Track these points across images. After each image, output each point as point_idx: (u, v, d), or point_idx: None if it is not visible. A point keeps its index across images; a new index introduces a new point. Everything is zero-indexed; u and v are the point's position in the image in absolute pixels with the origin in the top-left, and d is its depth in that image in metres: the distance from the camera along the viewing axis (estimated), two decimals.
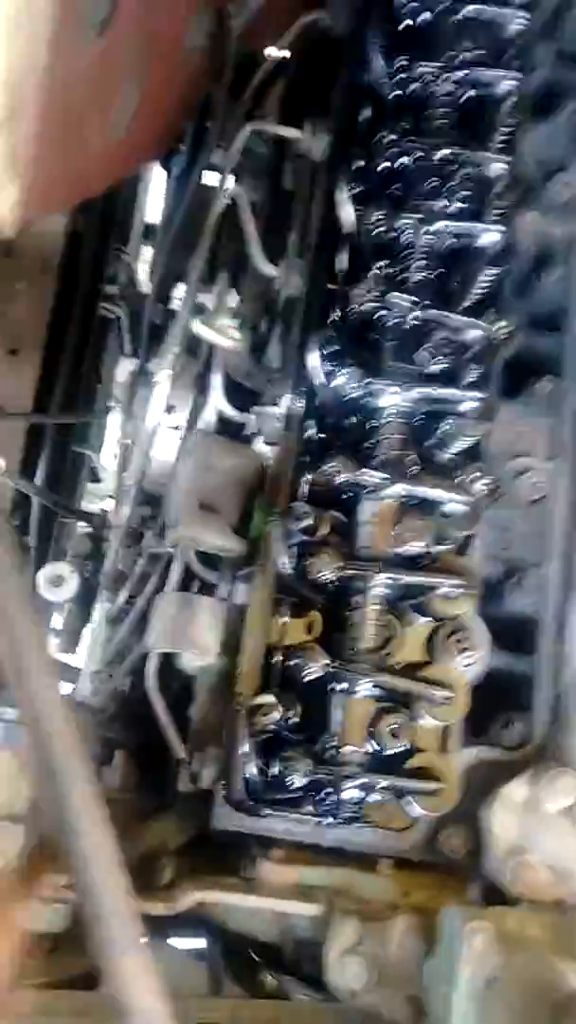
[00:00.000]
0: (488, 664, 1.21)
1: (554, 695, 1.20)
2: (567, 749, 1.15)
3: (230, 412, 1.51)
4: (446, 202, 1.26)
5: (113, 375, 2.41)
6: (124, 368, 2.35)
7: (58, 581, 1.86)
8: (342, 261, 1.37)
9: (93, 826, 0.68)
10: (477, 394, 1.19)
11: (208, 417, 1.59)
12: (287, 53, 1.89)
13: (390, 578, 1.17)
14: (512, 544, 1.28)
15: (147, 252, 2.81)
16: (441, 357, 1.19)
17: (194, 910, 1.20)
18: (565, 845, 1.08)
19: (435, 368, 1.19)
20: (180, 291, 2.13)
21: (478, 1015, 0.91)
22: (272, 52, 1.76)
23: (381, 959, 1.09)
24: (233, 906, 1.20)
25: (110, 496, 2.16)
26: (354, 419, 1.27)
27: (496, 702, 1.21)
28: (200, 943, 1.51)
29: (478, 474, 1.23)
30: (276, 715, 1.15)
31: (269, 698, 1.17)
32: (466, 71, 1.28)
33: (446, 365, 1.20)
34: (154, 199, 2.81)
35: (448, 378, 1.20)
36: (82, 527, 2.13)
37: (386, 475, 1.17)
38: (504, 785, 1.10)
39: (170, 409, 1.86)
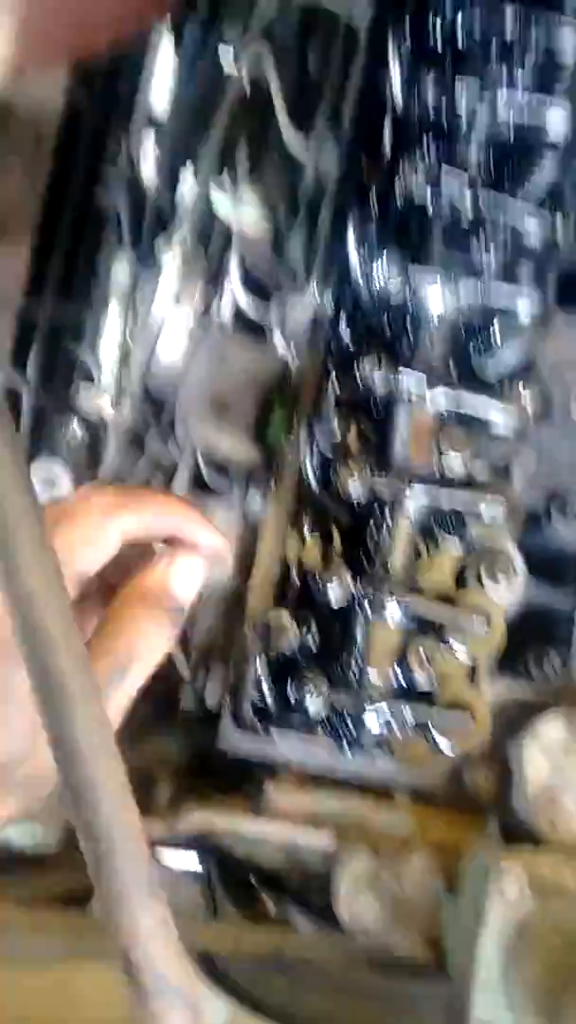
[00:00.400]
0: (525, 596, 1.12)
1: None
2: None
3: (248, 304, 1.37)
4: (508, 70, 1.10)
5: (111, 267, 2.25)
6: (123, 263, 2.18)
7: (50, 482, 1.73)
8: (384, 135, 1.20)
9: (100, 748, 0.53)
10: (532, 294, 1.06)
11: (222, 309, 1.44)
12: None
13: (423, 495, 1.06)
14: (558, 470, 1.17)
15: (152, 137, 2.59)
16: (495, 249, 1.05)
17: (192, 832, 1.14)
18: None
19: (488, 260, 1.05)
20: (188, 177, 1.96)
21: (506, 963, 0.86)
22: None
23: (396, 894, 1.03)
24: (236, 830, 1.14)
25: (108, 396, 2.02)
26: (392, 316, 1.14)
27: (531, 636, 1.13)
28: (195, 865, 1.47)
29: (527, 389, 1.12)
30: (292, 634, 1.07)
31: (284, 615, 1.08)
32: None
33: (499, 258, 1.06)
34: (163, 75, 2.57)
35: (502, 273, 1.07)
36: (76, 429, 2.00)
37: (425, 380, 1.05)
38: (538, 722, 1.03)
39: (177, 302, 1.72)
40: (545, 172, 1.12)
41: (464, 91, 1.08)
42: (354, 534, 1.15)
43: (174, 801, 1.18)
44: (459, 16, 1.11)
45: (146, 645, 0.74)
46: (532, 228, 1.08)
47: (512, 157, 1.13)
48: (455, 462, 1.05)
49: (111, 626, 0.74)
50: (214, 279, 1.62)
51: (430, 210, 1.09)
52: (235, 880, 1.30)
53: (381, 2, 1.26)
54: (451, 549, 1.12)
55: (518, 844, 1.03)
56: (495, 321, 1.08)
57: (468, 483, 1.10)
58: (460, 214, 1.07)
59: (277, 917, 1.21)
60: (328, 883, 1.08)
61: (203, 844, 1.24)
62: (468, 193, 1.06)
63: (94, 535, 0.74)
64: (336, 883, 1.05)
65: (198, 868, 1.44)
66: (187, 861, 1.45)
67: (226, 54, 1.72)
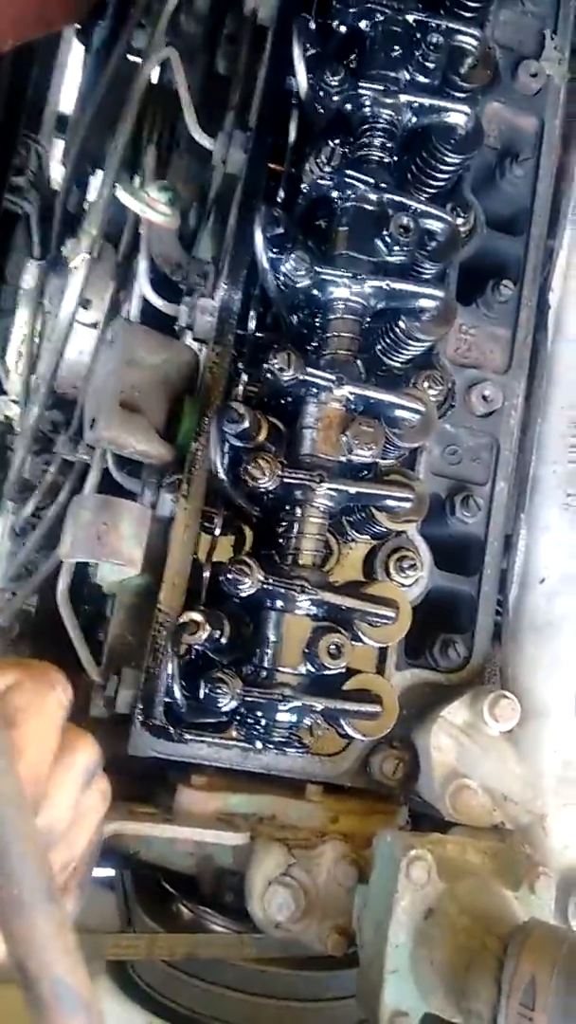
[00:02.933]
0: (430, 584, 1.14)
1: (496, 617, 1.15)
2: (508, 671, 1.11)
3: (158, 303, 1.35)
4: (410, 73, 1.12)
5: (19, 275, 2.19)
6: (32, 272, 2.13)
7: None
8: (289, 138, 1.22)
9: None
10: (435, 292, 1.08)
11: (131, 310, 1.42)
12: None
13: (332, 489, 1.07)
14: (460, 460, 1.20)
15: (60, 144, 2.55)
16: (399, 248, 1.07)
17: (106, 841, 1.11)
18: (505, 769, 1.04)
19: (392, 259, 1.07)
20: (97, 180, 1.93)
21: (416, 947, 0.86)
22: None
23: (309, 888, 1.03)
24: (147, 835, 1.12)
25: (14, 401, 1.97)
26: (298, 315, 1.15)
27: (436, 624, 1.15)
28: (108, 872, 1.43)
29: (429, 383, 1.15)
30: (203, 634, 1.05)
31: (196, 615, 1.06)
32: None
33: (404, 257, 1.08)
34: (71, 79, 2.53)
35: (405, 272, 1.09)
36: None
37: (334, 376, 1.06)
38: (443, 708, 1.05)
39: (86, 304, 1.69)
40: (448, 172, 1.15)
41: (367, 94, 1.09)
42: (265, 530, 1.15)
43: None
44: (363, 19, 1.13)
45: None
46: (435, 227, 1.11)
47: (416, 157, 1.16)
48: (363, 456, 1.06)
49: None
50: (123, 280, 1.60)
51: (336, 209, 1.11)
52: (148, 885, 1.27)
53: (287, 2, 1.27)
54: (359, 542, 1.14)
55: (427, 829, 1.05)
56: (400, 318, 1.10)
57: (376, 476, 1.12)
58: (365, 213, 1.08)
59: (191, 920, 1.19)
60: (241, 882, 1.06)
61: (114, 851, 1.21)
62: (373, 192, 1.08)
63: None
64: (249, 881, 1.04)
65: (111, 875, 1.40)
66: (100, 869, 1.42)
67: (134, 56, 1.71)
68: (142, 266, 1.37)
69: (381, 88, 1.10)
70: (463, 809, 1.01)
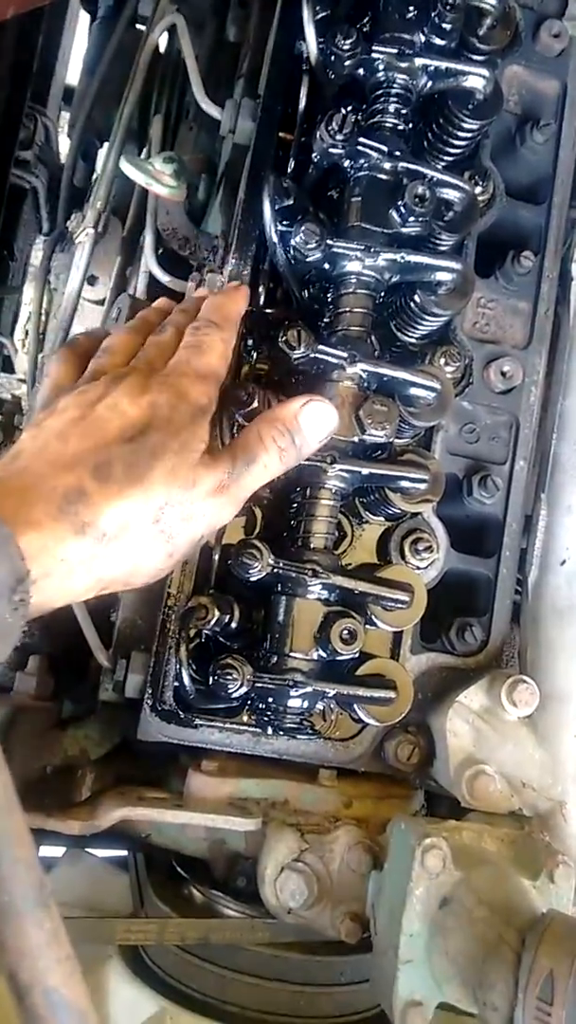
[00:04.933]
0: (446, 566, 1.12)
1: (514, 599, 1.12)
2: (527, 655, 1.08)
3: (164, 279, 1.32)
4: (425, 35, 1.07)
5: (28, 252, 2.16)
6: (40, 246, 2.10)
7: None
8: (300, 105, 1.17)
9: None
10: (452, 264, 1.04)
11: (138, 286, 1.39)
12: None
13: (345, 470, 1.04)
14: (477, 439, 1.17)
15: (67, 115, 2.50)
16: (415, 218, 1.03)
17: (118, 825, 1.10)
18: (523, 755, 1.02)
19: (407, 230, 1.03)
20: (104, 153, 1.89)
21: (431, 937, 0.84)
22: None
23: (322, 874, 1.02)
24: (159, 820, 1.11)
25: (21, 380, 1.95)
26: (309, 290, 1.12)
27: (452, 607, 1.13)
28: (121, 852, 1.43)
29: (446, 359, 1.11)
30: (212, 619, 1.03)
31: (205, 600, 1.04)
32: None
33: (419, 229, 1.04)
34: (76, 55, 2.48)
35: (421, 244, 1.05)
36: None
37: (346, 353, 1.03)
38: (460, 693, 1.02)
39: (92, 280, 1.66)
40: (466, 139, 1.11)
41: (382, 55, 1.05)
42: (276, 512, 1.13)
43: (96, 795, 1.14)
44: None
45: (264, 459, 0.88)
46: (452, 196, 1.07)
47: (432, 123, 1.11)
48: (377, 435, 1.02)
49: (241, 437, 0.90)
50: (130, 255, 1.57)
51: (349, 179, 1.07)
52: (160, 868, 1.27)
53: None
54: (373, 523, 1.11)
55: (442, 815, 1.03)
56: (416, 292, 1.07)
57: (390, 456, 1.09)
58: (379, 182, 1.05)
59: (203, 904, 1.19)
60: (254, 867, 1.05)
61: (126, 836, 1.20)
62: (387, 160, 1.04)
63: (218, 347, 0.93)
64: (262, 867, 1.03)
65: (123, 859, 1.40)
66: (112, 853, 1.41)
67: (141, 24, 1.66)
68: (148, 240, 1.34)
69: (395, 51, 1.05)
70: (480, 795, 0.99)
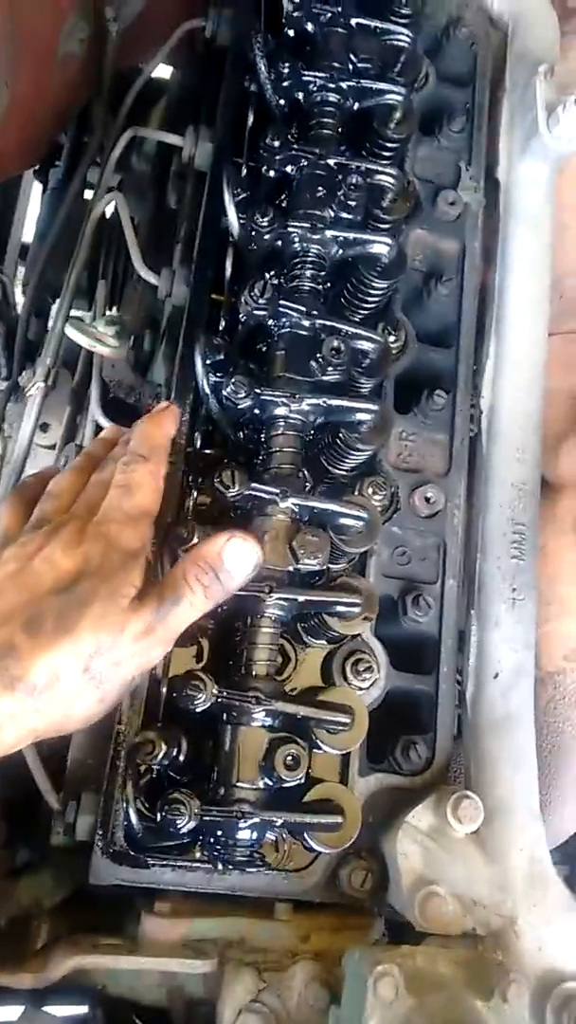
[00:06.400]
0: (387, 685, 1.16)
1: (455, 715, 1.16)
2: (471, 769, 1.11)
3: (108, 426, 1.41)
4: (334, 211, 1.22)
5: None
6: None
7: None
8: (228, 270, 1.31)
9: None
10: (370, 406, 1.14)
11: (86, 433, 1.48)
12: (168, 67, 1.86)
13: (283, 598, 1.09)
14: (408, 561, 1.24)
15: (22, 271, 2.68)
16: (333, 368, 1.14)
17: (72, 975, 1.07)
18: (473, 872, 1.03)
19: (328, 378, 1.14)
20: (56, 309, 2.03)
21: None
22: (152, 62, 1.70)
23: (280, 1013, 1.00)
24: (114, 968, 1.08)
25: None
26: (243, 432, 1.21)
27: (396, 725, 1.16)
28: (81, 1009, 1.36)
29: (373, 489, 1.20)
30: (160, 753, 1.05)
31: (152, 735, 1.06)
32: (353, 81, 1.25)
33: (338, 376, 1.15)
34: (29, 215, 2.69)
35: (341, 389, 1.16)
36: None
37: (278, 489, 1.11)
38: (408, 813, 1.04)
39: (44, 427, 1.75)
40: (376, 296, 1.24)
41: (295, 232, 1.18)
42: (222, 642, 1.17)
43: (49, 945, 1.11)
44: (286, 166, 1.24)
45: (189, 598, 0.90)
46: (366, 346, 1.18)
47: (346, 283, 1.24)
48: (310, 564, 1.09)
49: (167, 577, 0.92)
50: (79, 404, 1.67)
51: (273, 335, 1.18)
52: (118, 1019, 1.22)
53: (220, 149, 1.39)
54: (313, 648, 1.15)
55: (407, 939, 1.03)
56: (341, 430, 1.16)
57: (327, 582, 1.15)
58: (300, 338, 1.16)
59: None
60: (213, 1011, 1.03)
61: (84, 989, 1.16)
62: (305, 319, 1.15)
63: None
64: (219, 1011, 1.00)
65: (85, 1017, 1.33)
66: (69, 1006, 1.35)
67: (90, 188, 1.83)
68: (94, 394, 1.43)
69: (308, 226, 1.19)
70: (433, 917, 0.99)
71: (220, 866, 1.03)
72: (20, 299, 2.49)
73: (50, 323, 2.14)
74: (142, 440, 1.05)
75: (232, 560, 0.94)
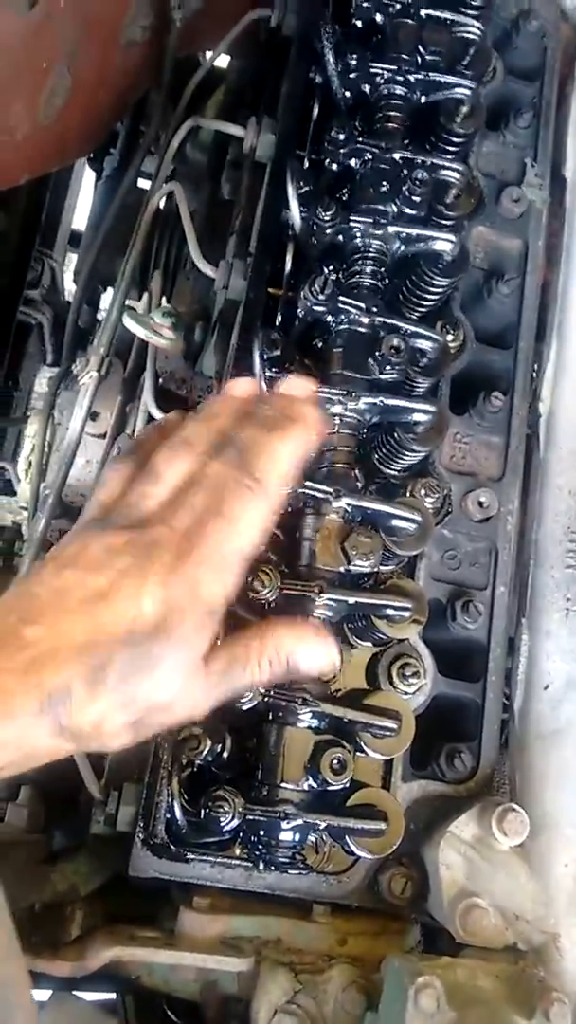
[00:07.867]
0: (434, 692, 1.14)
1: (502, 723, 1.14)
2: (516, 781, 1.09)
3: (161, 417, 1.40)
4: (397, 206, 1.20)
5: (32, 383, 2.28)
6: (44, 377, 2.21)
7: None
8: (286, 264, 1.29)
9: None
10: (427, 406, 1.12)
11: (137, 423, 1.48)
12: (229, 56, 1.84)
13: (332, 599, 1.08)
14: (459, 565, 1.22)
15: (73, 257, 2.69)
16: (391, 366, 1.12)
17: (107, 965, 1.07)
18: (516, 886, 1.01)
19: (385, 377, 1.12)
20: (107, 297, 2.03)
21: None
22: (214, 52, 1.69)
23: (316, 1016, 0.99)
24: (149, 961, 1.08)
25: (23, 508, 2.01)
26: None
27: (441, 733, 1.14)
28: (109, 995, 1.37)
29: (425, 490, 1.18)
30: (204, 749, 1.05)
31: (198, 730, 1.06)
32: (421, 74, 1.23)
33: (396, 375, 1.13)
34: (83, 201, 2.70)
35: (398, 389, 1.14)
36: None
37: (331, 488, 1.09)
38: (451, 822, 1.03)
39: (94, 416, 1.75)
40: (436, 294, 1.22)
41: (357, 226, 1.17)
42: None
43: (85, 933, 1.12)
44: (350, 159, 1.22)
45: (252, 675, 0.81)
46: (425, 345, 1.16)
47: (406, 280, 1.22)
48: (362, 566, 1.07)
49: (240, 646, 0.82)
50: (130, 394, 1.67)
51: (331, 331, 1.16)
52: (151, 1013, 1.22)
53: (282, 140, 1.38)
54: (360, 651, 1.14)
55: (443, 948, 1.01)
56: (395, 430, 1.14)
57: (376, 584, 1.13)
58: (358, 335, 1.14)
59: None
60: (247, 1009, 1.03)
61: (116, 977, 1.16)
62: (364, 315, 1.14)
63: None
64: (254, 1010, 1.00)
65: (113, 1002, 1.34)
66: (102, 996, 1.36)
67: (143, 185, 1.83)
68: (148, 384, 1.43)
69: (370, 221, 1.17)
70: (474, 930, 0.98)
71: (261, 865, 1.02)
72: (69, 286, 2.51)
73: (101, 312, 2.15)
74: (272, 465, 0.84)
75: (308, 661, 0.84)
